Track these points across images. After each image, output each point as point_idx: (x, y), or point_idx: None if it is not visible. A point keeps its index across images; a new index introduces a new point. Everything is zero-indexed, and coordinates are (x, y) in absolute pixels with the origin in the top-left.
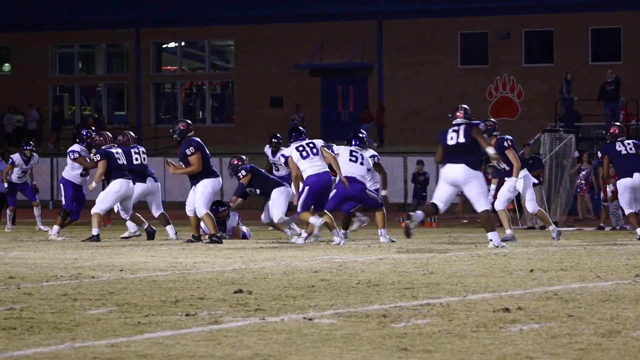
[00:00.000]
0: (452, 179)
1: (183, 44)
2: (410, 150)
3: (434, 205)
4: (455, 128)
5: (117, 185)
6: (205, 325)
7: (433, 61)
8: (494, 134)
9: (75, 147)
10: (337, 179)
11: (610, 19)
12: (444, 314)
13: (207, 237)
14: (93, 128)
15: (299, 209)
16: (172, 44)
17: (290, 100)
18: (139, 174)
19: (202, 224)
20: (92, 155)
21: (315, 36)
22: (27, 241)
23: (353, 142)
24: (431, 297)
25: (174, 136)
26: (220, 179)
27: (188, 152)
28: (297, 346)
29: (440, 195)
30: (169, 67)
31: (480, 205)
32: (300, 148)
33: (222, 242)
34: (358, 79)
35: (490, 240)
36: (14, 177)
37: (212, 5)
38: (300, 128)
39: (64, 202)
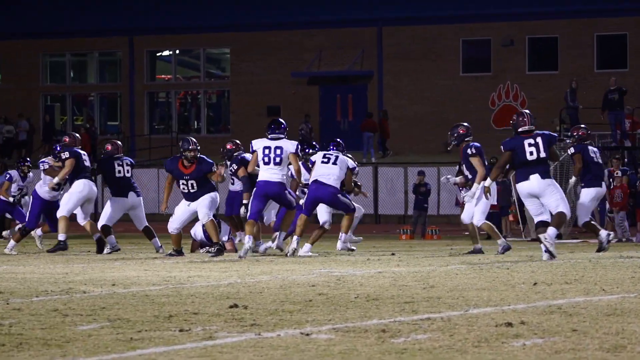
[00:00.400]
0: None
1: (178, 52)
2: (410, 160)
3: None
4: (531, 141)
5: (81, 186)
6: (199, 341)
7: (434, 69)
8: (465, 139)
9: (47, 158)
10: (310, 182)
11: (616, 24)
12: (444, 328)
13: (207, 248)
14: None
15: (247, 214)
16: (166, 52)
17: (288, 109)
18: (120, 186)
19: (195, 234)
20: (60, 153)
21: (313, 43)
22: (17, 255)
23: (330, 146)
24: (432, 312)
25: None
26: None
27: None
28: None
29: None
30: (163, 76)
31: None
32: (267, 151)
33: (223, 253)
34: (357, 87)
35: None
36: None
37: (208, 12)
38: (281, 120)
39: (27, 217)
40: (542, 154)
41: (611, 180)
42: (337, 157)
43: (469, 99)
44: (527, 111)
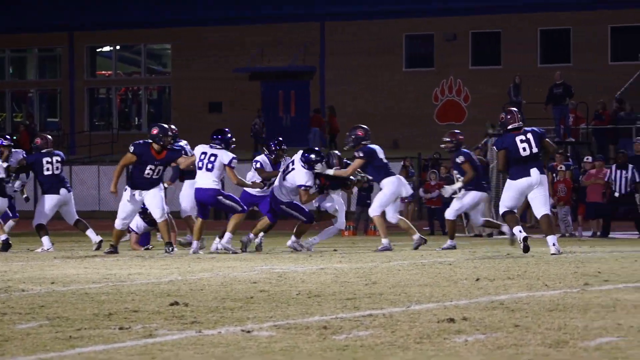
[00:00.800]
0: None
1: (118, 47)
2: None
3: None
4: (522, 137)
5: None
6: (139, 339)
7: (377, 64)
8: (362, 142)
9: None
10: (275, 183)
11: (560, 19)
12: (386, 325)
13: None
14: (8, 137)
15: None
16: (107, 48)
17: (230, 105)
18: (51, 183)
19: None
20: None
21: (255, 39)
22: None
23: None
24: (373, 308)
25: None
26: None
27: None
28: (235, 359)
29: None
30: (103, 72)
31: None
32: (202, 156)
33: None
34: (300, 83)
35: (553, 244)
36: (10, 191)
37: (149, 7)
38: (226, 132)
39: None
40: (535, 149)
41: (554, 175)
42: (215, 156)
43: (413, 94)
44: (515, 109)
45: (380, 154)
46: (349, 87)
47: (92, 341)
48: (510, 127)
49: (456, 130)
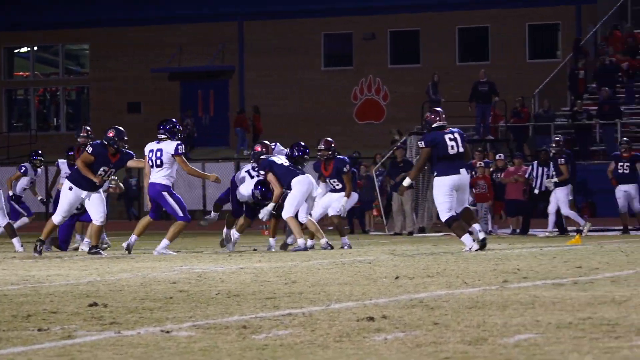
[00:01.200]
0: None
1: (36, 48)
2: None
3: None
4: (451, 135)
5: None
6: (58, 341)
7: (296, 63)
8: (261, 157)
9: None
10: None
11: (478, 17)
12: (306, 324)
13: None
14: None
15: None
16: (24, 49)
17: (149, 105)
18: None
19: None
20: None
21: (173, 39)
22: None
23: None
24: (293, 307)
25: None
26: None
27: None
28: None
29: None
30: (21, 73)
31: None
32: (150, 154)
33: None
34: (219, 83)
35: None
36: (19, 189)
37: (66, 8)
38: (171, 121)
39: None
40: (461, 149)
41: (473, 172)
42: (161, 150)
43: (331, 94)
44: (439, 109)
45: (279, 161)
46: (268, 87)
47: (10, 343)
48: (434, 125)
49: (329, 139)
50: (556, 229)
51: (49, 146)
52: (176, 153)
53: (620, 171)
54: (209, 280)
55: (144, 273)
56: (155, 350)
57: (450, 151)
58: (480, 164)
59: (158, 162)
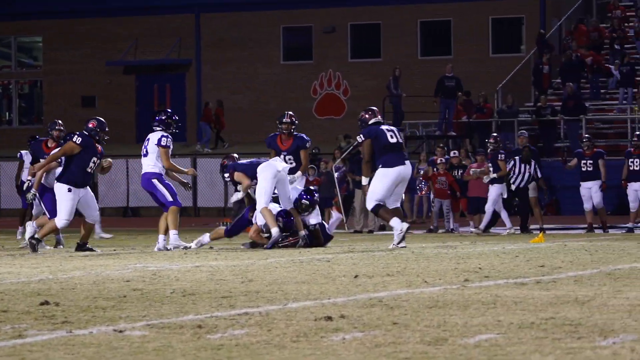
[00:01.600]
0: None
1: None
2: (233, 151)
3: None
4: (387, 127)
5: None
6: (8, 340)
7: (255, 56)
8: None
9: None
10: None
11: (440, 11)
12: (262, 323)
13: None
14: None
15: None
16: None
17: (104, 99)
18: None
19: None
20: None
21: (129, 32)
22: None
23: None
24: (250, 306)
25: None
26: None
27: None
28: None
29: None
30: None
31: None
32: (145, 143)
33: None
34: (175, 76)
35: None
36: (24, 177)
37: None
38: (166, 111)
39: None
40: (401, 139)
41: (435, 168)
42: (149, 140)
43: (291, 88)
44: (374, 108)
45: (243, 160)
46: (226, 80)
47: None
48: (371, 122)
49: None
50: (518, 227)
51: (2, 140)
52: (159, 144)
53: (583, 169)
54: (163, 279)
55: (97, 271)
56: (108, 350)
57: (391, 140)
58: (442, 159)
59: (144, 151)
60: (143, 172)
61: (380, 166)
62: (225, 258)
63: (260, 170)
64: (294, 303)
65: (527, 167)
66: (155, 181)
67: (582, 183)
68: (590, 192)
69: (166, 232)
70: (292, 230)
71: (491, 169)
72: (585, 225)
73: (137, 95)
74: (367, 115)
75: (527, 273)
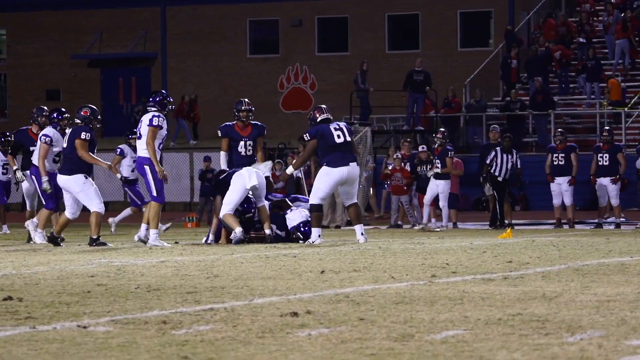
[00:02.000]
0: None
1: None
2: (198, 145)
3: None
4: (336, 126)
5: None
6: None
7: (221, 50)
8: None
9: None
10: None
11: (408, 4)
12: (228, 319)
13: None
14: None
15: None
16: None
17: (69, 93)
18: None
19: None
20: None
21: (93, 24)
22: None
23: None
24: (215, 302)
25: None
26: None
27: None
28: (70, 356)
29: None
30: None
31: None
32: (139, 125)
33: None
34: (141, 70)
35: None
36: None
37: None
38: (160, 92)
39: None
40: (348, 138)
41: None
42: (141, 122)
43: (257, 82)
44: (323, 105)
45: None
46: (191, 74)
47: None
48: (319, 119)
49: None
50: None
51: None
52: (150, 124)
53: (555, 163)
54: (128, 274)
55: (61, 266)
56: (72, 346)
57: (337, 140)
58: (398, 155)
59: (138, 133)
60: (137, 155)
61: (324, 164)
62: (190, 253)
63: (234, 179)
64: (260, 299)
65: (509, 157)
66: (147, 168)
67: (554, 178)
68: (561, 188)
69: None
70: (255, 224)
71: (439, 164)
72: (554, 221)
73: (102, 88)
74: (315, 113)
75: (495, 269)
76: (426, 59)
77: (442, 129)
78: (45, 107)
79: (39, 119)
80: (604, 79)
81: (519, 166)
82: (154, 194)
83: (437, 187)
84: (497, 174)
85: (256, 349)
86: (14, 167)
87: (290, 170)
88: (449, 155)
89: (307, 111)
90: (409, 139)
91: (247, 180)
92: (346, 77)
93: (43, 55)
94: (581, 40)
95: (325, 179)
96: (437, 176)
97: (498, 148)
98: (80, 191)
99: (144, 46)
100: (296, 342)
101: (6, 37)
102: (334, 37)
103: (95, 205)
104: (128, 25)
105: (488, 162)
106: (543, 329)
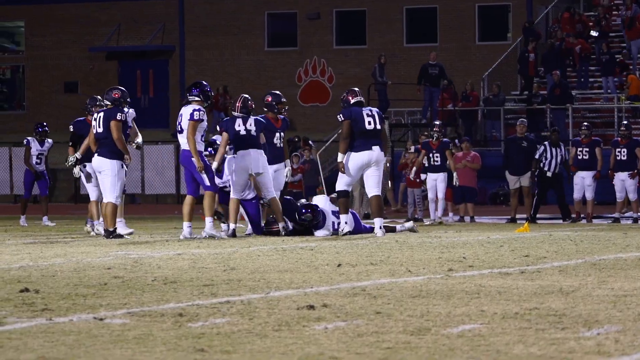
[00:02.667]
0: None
1: None
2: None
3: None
4: (368, 112)
5: None
6: None
7: (238, 43)
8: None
9: None
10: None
11: None
12: (244, 312)
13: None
14: None
15: None
16: None
17: (86, 85)
18: None
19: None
20: None
21: (111, 17)
22: None
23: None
24: (231, 295)
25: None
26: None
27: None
28: (86, 348)
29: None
30: None
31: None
32: (179, 119)
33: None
34: (158, 63)
35: (380, 227)
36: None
37: None
38: (200, 83)
39: None
40: (378, 126)
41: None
42: (181, 115)
43: (275, 75)
44: (356, 88)
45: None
46: (209, 67)
47: None
48: (352, 101)
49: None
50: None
51: None
52: (191, 118)
53: (579, 157)
54: (145, 267)
55: (78, 258)
56: (88, 338)
57: (368, 126)
58: (411, 148)
59: (179, 127)
60: (182, 149)
61: (349, 150)
62: (207, 246)
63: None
64: (277, 292)
65: (558, 150)
66: (194, 160)
67: (577, 171)
68: (584, 182)
69: (191, 218)
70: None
71: (438, 158)
72: (573, 215)
73: (119, 81)
74: (348, 96)
75: (512, 263)
76: (444, 52)
77: (438, 122)
78: (98, 97)
79: (92, 108)
80: (618, 73)
81: (566, 158)
82: (207, 183)
83: (436, 182)
84: (546, 168)
85: (272, 342)
86: (71, 159)
87: (340, 157)
88: (449, 148)
89: (325, 104)
90: (426, 132)
91: (251, 166)
92: (364, 70)
93: (61, 47)
94: (593, 33)
95: (350, 164)
96: (433, 170)
97: (546, 142)
98: (111, 176)
99: (162, 39)
100: (312, 335)
101: (24, 30)
102: (351, 30)
103: (113, 197)
104: (145, 18)
105: (537, 156)
106: (560, 323)
